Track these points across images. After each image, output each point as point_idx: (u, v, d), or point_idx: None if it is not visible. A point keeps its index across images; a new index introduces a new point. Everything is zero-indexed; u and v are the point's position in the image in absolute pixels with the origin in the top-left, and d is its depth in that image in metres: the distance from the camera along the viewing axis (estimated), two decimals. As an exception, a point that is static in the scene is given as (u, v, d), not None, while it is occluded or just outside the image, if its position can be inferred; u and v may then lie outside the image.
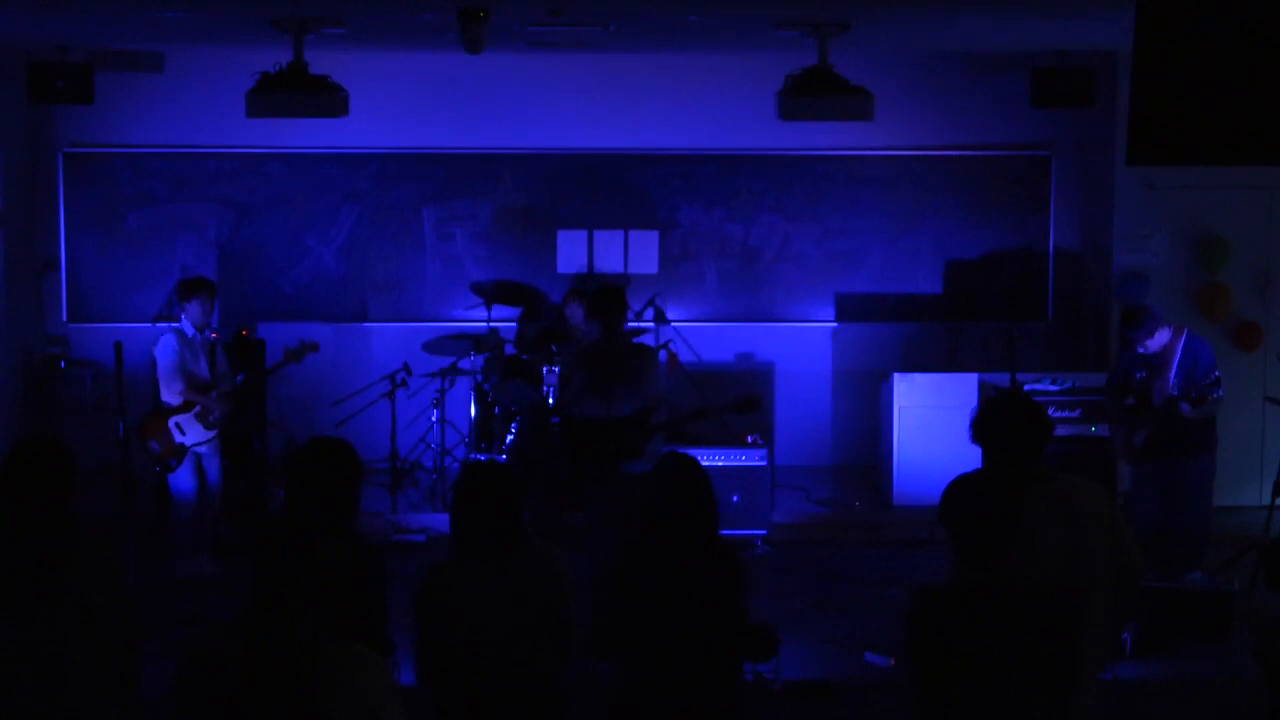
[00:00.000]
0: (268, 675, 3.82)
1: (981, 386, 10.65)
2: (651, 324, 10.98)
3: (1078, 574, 4.82)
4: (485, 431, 10.51)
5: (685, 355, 11.12)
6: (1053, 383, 10.29)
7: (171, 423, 8.89)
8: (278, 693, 3.81)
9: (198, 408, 8.95)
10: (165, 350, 8.98)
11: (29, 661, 4.56)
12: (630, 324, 9.24)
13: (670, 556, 5.08)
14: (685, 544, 5.09)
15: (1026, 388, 10.01)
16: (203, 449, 9.00)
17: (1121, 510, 5.06)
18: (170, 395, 8.98)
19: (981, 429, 5.04)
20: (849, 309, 11.94)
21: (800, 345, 12.03)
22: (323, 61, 9.64)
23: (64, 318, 11.68)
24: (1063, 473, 5.06)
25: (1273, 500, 9.26)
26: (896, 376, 10.77)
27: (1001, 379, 10.14)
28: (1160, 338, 8.60)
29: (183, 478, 8.96)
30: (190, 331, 9.00)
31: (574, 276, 11.69)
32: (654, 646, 5.04)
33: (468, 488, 4.96)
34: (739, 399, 8.45)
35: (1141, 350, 8.62)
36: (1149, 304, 9.31)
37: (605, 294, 8.79)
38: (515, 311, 11.28)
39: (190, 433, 8.90)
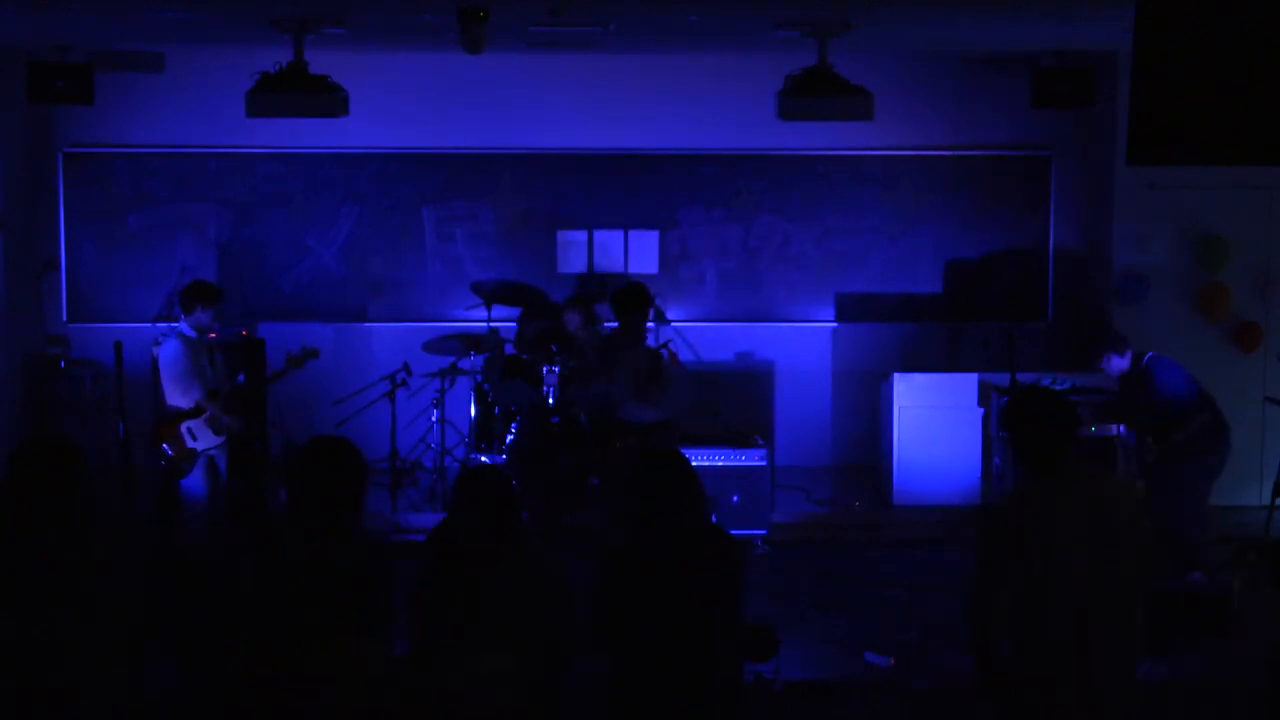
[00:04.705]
0: (276, 673, 3.82)
1: (981, 386, 10.67)
2: (652, 324, 10.99)
3: (1105, 566, 4.84)
4: (485, 431, 10.51)
5: (685, 355, 11.13)
6: (1053, 383, 10.30)
7: (183, 428, 8.82)
8: (287, 691, 3.81)
9: (209, 413, 8.87)
10: (172, 355, 8.82)
11: (34, 660, 4.56)
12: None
13: (658, 552, 5.05)
14: (673, 539, 5.07)
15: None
16: (214, 451, 8.97)
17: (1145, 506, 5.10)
18: (177, 399, 8.90)
19: (1009, 424, 5.08)
20: (849, 309, 11.94)
21: (800, 345, 12.03)
22: (323, 61, 9.64)
23: (64, 318, 11.67)
24: (1090, 466, 5.09)
25: (1273, 500, 9.28)
26: (896, 376, 10.78)
27: (1001, 379, 10.15)
28: (1116, 364, 8.78)
29: (195, 481, 8.92)
30: (193, 335, 8.94)
31: (575, 279, 11.69)
32: (643, 643, 5.02)
33: (467, 490, 4.95)
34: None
35: (1104, 370, 8.87)
36: (1122, 332, 9.35)
37: (621, 294, 8.84)
38: (515, 311, 11.29)
39: (201, 438, 8.85)
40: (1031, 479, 4.98)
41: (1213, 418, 8.63)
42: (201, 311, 8.85)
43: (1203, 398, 8.66)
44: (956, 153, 11.85)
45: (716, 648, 5.04)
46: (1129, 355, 8.75)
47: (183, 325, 8.91)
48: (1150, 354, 8.79)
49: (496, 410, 10.42)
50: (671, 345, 10.92)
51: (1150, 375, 8.64)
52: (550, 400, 9.89)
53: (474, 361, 10.90)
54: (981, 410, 10.64)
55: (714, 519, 9.51)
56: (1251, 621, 8.08)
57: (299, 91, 9.41)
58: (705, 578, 5.04)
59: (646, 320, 8.90)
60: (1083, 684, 4.84)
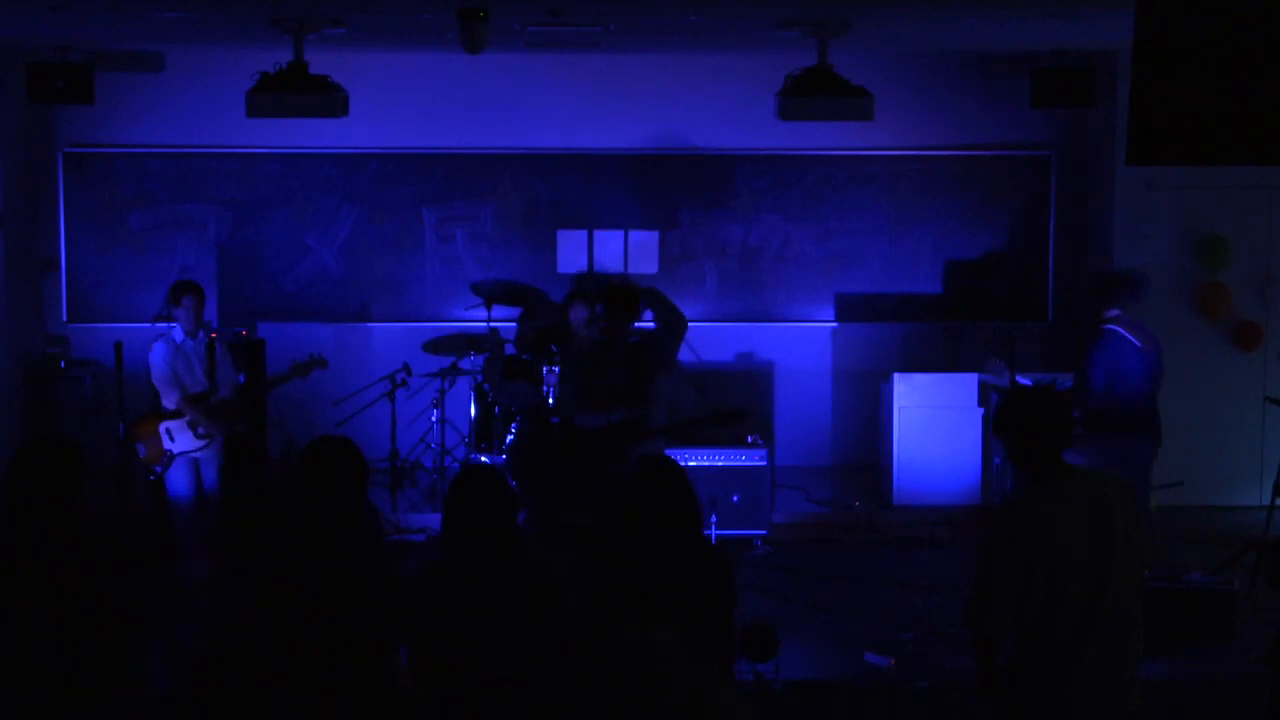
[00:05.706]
0: (278, 677, 3.82)
1: (981, 386, 10.67)
2: (652, 324, 10.97)
3: (1107, 566, 4.84)
4: (485, 431, 10.52)
5: (685, 355, 11.10)
6: (1053, 383, 10.29)
7: (162, 428, 8.85)
8: (288, 694, 3.81)
9: (189, 416, 8.88)
10: (156, 360, 8.89)
11: (35, 659, 4.57)
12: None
13: (648, 559, 5.03)
14: (663, 547, 5.05)
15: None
16: (199, 454, 8.95)
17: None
18: (168, 400, 8.95)
19: (1001, 424, 5.07)
20: (849, 309, 11.94)
21: (800, 345, 12.03)
22: (323, 61, 9.63)
23: (64, 318, 11.68)
24: (1087, 468, 5.09)
25: (1273, 500, 9.26)
26: (896, 376, 10.78)
27: (1001, 379, 10.15)
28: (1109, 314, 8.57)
29: (177, 480, 8.92)
30: (180, 337, 8.94)
31: (575, 277, 11.68)
32: None
33: (462, 491, 4.94)
34: (723, 412, 8.51)
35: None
36: (1129, 287, 9.07)
37: (614, 294, 8.83)
38: (515, 311, 11.29)
39: (180, 439, 8.86)
40: (1033, 481, 4.99)
41: (1101, 418, 8.45)
42: (184, 308, 8.85)
43: (1108, 389, 8.43)
44: (956, 153, 11.85)
45: (705, 653, 5.03)
46: (1108, 314, 8.54)
47: (176, 327, 8.94)
48: (1111, 326, 8.50)
49: (496, 410, 10.42)
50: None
51: (1093, 341, 8.53)
52: (550, 400, 9.89)
53: (474, 361, 10.90)
54: (981, 410, 10.65)
55: (713, 519, 9.62)
56: (1251, 621, 8.08)
57: (299, 91, 9.41)
58: (692, 583, 5.03)
59: (631, 323, 8.86)
60: (1085, 683, 4.85)
